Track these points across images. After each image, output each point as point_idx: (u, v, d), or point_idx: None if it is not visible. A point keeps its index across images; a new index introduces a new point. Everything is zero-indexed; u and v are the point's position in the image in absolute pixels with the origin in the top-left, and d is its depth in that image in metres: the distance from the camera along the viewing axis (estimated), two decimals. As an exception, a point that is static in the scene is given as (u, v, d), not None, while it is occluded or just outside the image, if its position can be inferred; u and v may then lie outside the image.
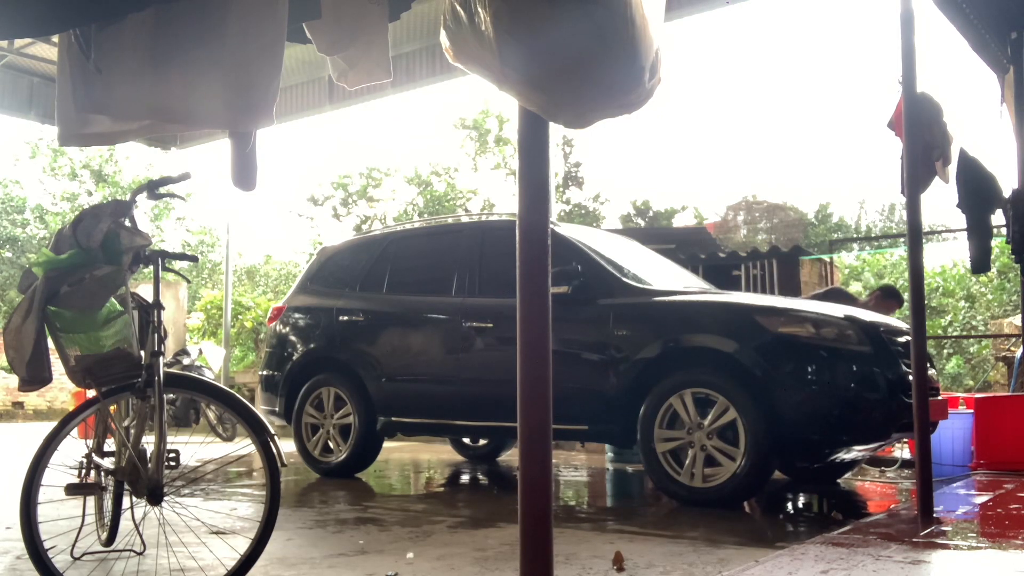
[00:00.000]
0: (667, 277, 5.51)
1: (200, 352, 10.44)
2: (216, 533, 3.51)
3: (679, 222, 23.47)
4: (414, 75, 8.28)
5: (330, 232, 21.47)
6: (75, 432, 2.62)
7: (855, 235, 24.61)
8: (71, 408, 3.19)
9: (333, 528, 3.93)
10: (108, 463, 2.84)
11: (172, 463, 2.62)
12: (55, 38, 3.21)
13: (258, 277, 25.99)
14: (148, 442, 2.62)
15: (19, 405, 14.43)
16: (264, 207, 49.12)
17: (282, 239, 47.20)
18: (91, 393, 2.67)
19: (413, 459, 7.77)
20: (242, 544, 2.77)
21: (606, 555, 3.18)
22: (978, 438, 5.98)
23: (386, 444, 6.40)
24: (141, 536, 2.74)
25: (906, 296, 4.52)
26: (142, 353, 2.64)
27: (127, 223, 2.64)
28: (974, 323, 14.77)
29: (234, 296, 14.51)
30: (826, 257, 10.49)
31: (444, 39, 1.83)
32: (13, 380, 12.83)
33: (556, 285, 4.69)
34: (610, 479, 6.32)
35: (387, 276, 6.08)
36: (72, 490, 2.66)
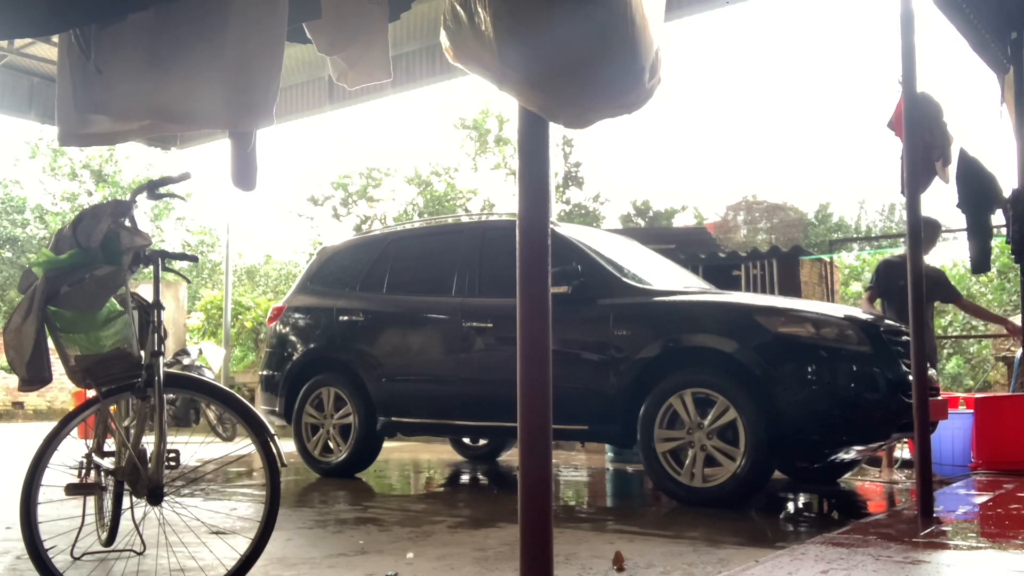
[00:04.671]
0: (667, 277, 5.51)
1: (200, 352, 10.44)
2: (216, 533, 3.51)
3: (679, 222, 23.43)
4: (414, 75, 8.28)
5: (330, 232, 21.46)
6: (75, 432, 2.62)
7: (855, 235, 24.59)
8: (71, 408, 3.19)
9: (333, 528, 3.93)
10: (108, 463, 2.84)
11: (172, 463, 2.62)
12: (55, 38, 3.21)
13: (258, 277, 25.98)
14: (148, 442, 2.62)
15: (19, 405, 14.43)
16: (264, 207, 49.19)
17: (282, 239, 47.18)
18: (91, 393, 2.67)
19: (413, 459, 7.77)
20: (242, 544, 2.77)
21: (606, 555, 3.18)
22: (978, 438, 5.97)
23: (386, 444, 6.41)
24: (141, 536, 2.74)
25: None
26: (142, 353, 2.64)
27: (127, 223, 2.63)
28: (974, 323, 14.76)
29: (234, 296, 14.50)
30: (826, 257, 10.48)
31: (444, 39, 1.83)
32: (13, 380, 12.83)
33: (556, 285, 4.69)
34: (610, 479, 6.32)
35: (387, 276, 6.08)
36: (72, 490, 2.66)
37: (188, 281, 15.39)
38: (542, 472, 1.74)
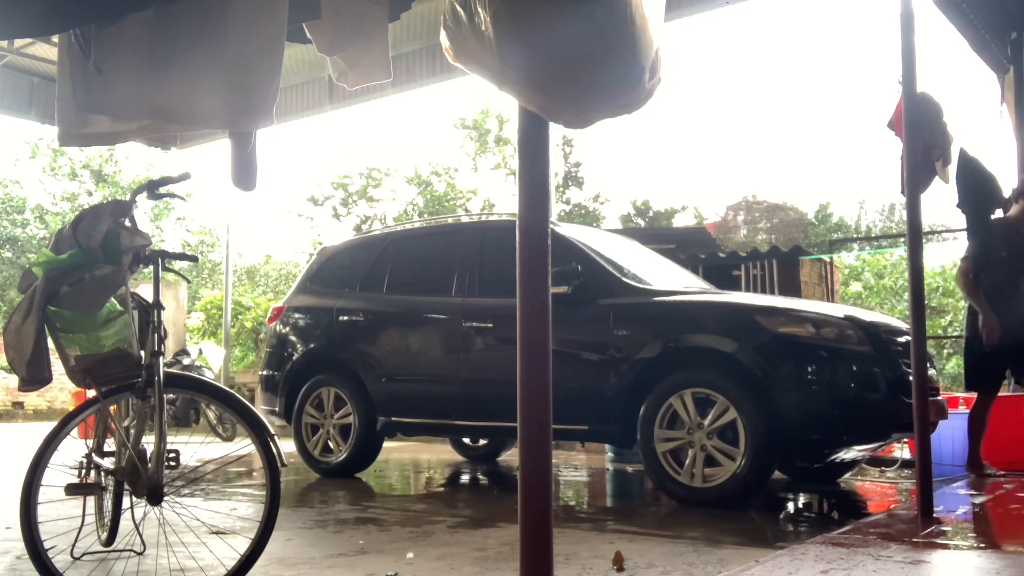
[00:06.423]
0: (667, 277, 5.51)
1: (200, 352, 10.45)
2: (216, 533, 3.51)
3: (679, 222, 23.48)
4: (414, 75, 8.28)
5: (330, 232, 21.47)
6: (75, 432, 2.62)
7: (855, 235, 24.61)
8: (71, 408, 3.19)
9: (333, 528, 3.93)
10: (108, 463, 2.84)
11: (172, 463, 2.62)
12: (55, 38, 3.21)
13: (258, 277, 25.99)
14: (148, 442, 2.62)
15: (19, 405, 14.43)
16: (264, 207, 49.27)
17: (282, 239, 47.30)
18: (91, 393, 2.67)
19: (413, 459, 7.77)
20: (242, 544, 2.77)
21: (606, 555, 3.18)
22: (978, 438, 5.96)
23: (386, 444, 6.40)
24: (141, 536, 2.74)
25: (905, 296, 4.49)
26: (142, 353, 2.64)
27: (127, 223, 2.63)
28: (974, 323, 14.71)
29: (234, 296, 14.51)
30: (826, 257, 10.47)
31: (444, 39, 1.83)
32: (13, 380, 12.83)
33: (556, 285, 4.69)
34: (610, 479, 6.32)
35: (387, 276, 6.08)
36: (72, 490, 2.66)
37: (188, 281, 15.39)
38: (542, 472, 1.74)
